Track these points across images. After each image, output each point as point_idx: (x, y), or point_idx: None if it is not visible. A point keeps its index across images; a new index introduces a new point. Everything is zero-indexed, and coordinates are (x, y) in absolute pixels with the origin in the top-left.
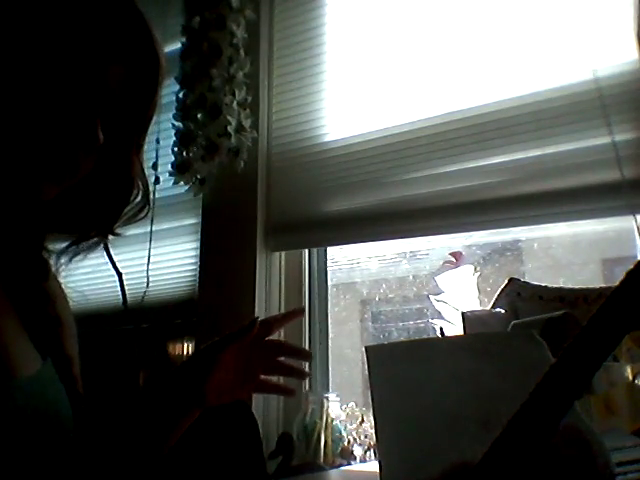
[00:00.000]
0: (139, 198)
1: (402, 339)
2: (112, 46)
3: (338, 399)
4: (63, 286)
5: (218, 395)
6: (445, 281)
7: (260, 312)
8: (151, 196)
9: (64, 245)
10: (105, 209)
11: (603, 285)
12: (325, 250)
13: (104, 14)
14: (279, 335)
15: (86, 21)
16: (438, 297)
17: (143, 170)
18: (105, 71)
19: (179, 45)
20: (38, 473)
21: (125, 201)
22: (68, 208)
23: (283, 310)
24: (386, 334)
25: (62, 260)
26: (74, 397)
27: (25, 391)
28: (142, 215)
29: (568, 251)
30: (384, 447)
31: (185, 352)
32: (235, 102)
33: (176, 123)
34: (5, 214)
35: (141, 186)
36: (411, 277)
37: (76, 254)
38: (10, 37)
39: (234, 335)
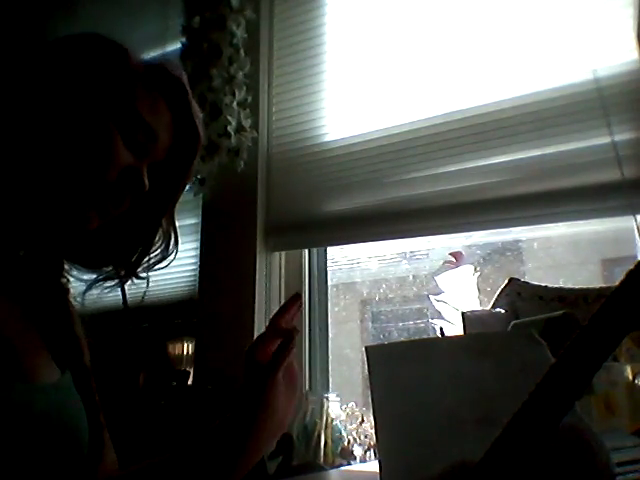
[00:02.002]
0: (162, 247)
1: (402, 339)
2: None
3: (338, 399)
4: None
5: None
6: (445, 281)
7: (260, 312)
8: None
9: (91, 278)
10: (127, 253)
11: (603, 285)
12: (325, 250)
13: (157, 84)
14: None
15: (137, 90)
16: (438, 297)
17: (175, 224)
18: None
19: (179, 45)
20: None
21: (147, 245)
22: (101, 246)
23: None
24: (386, 334)
25: (85, 291)
26: (91, 408)
27: (45, 397)
28: (164, 264)
29: (568, 251)
30: (384, 447)
31: (185, 352)
32: (235, 102)
33: None
34: (45, 237)
35: (172, 235)
36: (411, 277)
37: (95, 286)
38: (79, 89)
39: (278, 356)
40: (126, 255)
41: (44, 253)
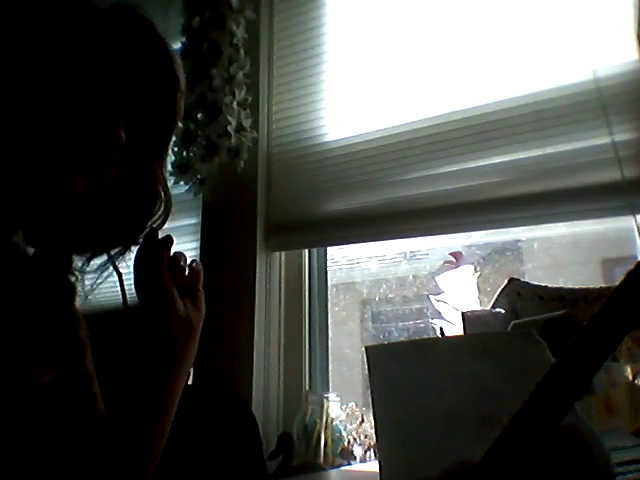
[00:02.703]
0: (162, 210)
1: (402, 339)
2: (132, 58)
3: (338, 399)
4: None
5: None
6: (445, 281)
7: (260, 312)
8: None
9: (88, 261)
10: (131, 222)
11: (603, 285)
12: (325, 250)
13: (127, 31)
14: (279, 337)
15: (109, 34)
16: (438, 297)
17: (166, 183)
18: (127, 78)
19: (179, 45)
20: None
21: (149, 214)
22: (95, 225)
23: (283, 310)
24: (386, 334)
25: (91, 277)
26: (91, 414)
27: (40, 397)
28: (162, 223)
29: (568, 251)
30: (384, 447)
31: None
32: (235, 102)
33: None
34: (37, 220)
35: (163, 198)
36: (411, 277)
37: (104, 270)
38: (39, 40)
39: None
40: (130, 226)
41: (51, 246)
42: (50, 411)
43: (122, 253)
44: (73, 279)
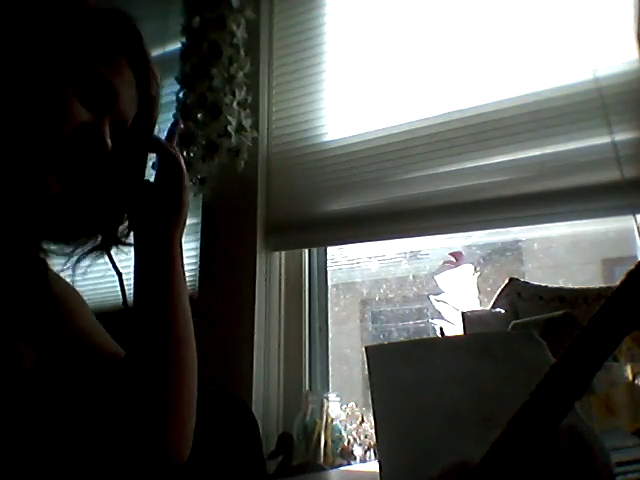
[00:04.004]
0: None
1: (402, 339)
2: (117, 63)
3: (338, 399)
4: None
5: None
6: (445, 281)
7: (260, 312)
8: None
9: (68, 249)
10: (108, 222)
11: (603, 285)
12: (325, 250)
13: (108, 29)
14: (279, 337)
15: (94, 35)
16: (438, 297)
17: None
18: (112, 82)
19: (179, 45)
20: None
21: (121, 217)
22: (73, 218)
23: (283, 310)
24: (386, 334)
25: (67, 265)
26: (71, 394)
27: (25, 383)
28: None
29: (568, 251)
30: (384, 447)
31: None
32: (235, 102)
33: None
34: (8, 209)
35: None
36: (411, 277)
37: (79, 260)
38: (27, 41)
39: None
40: (108, 225)
41: (17, 230)
42: (35, 396)
43: (100, 252)
44: (43, 256)
